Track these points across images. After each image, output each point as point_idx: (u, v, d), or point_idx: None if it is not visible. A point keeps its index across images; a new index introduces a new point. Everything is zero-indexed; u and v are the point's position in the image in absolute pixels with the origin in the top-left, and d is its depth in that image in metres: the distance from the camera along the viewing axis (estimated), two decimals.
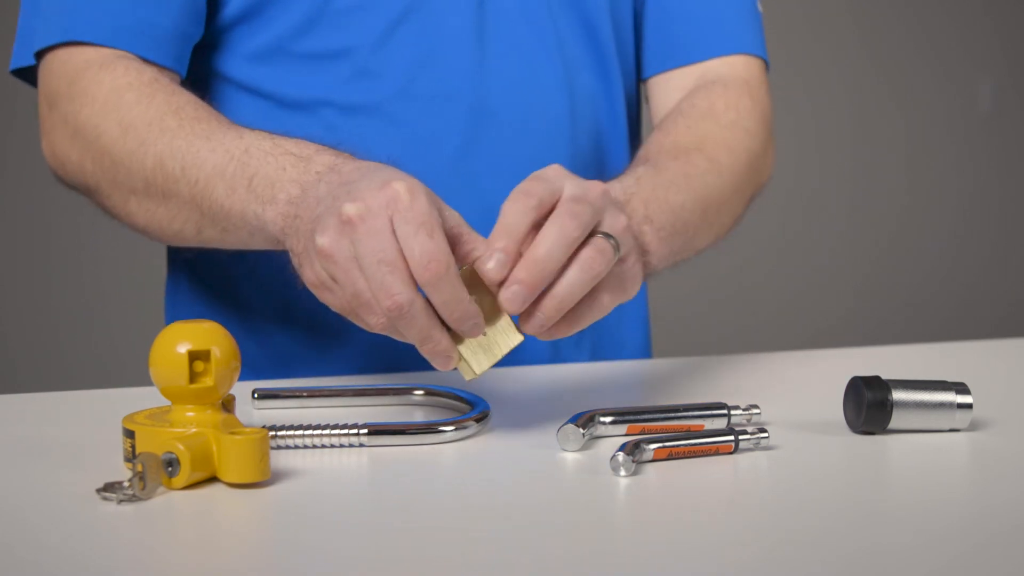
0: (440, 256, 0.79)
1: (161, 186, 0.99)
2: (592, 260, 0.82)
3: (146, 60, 1.05)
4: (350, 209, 0.80)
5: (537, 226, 0.82)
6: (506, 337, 0.83)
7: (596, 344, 1.21)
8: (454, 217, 0.82)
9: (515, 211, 0.81)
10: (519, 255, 0.81)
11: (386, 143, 1.08)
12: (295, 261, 0.87)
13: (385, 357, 1.10)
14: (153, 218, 1.02)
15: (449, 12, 1.10)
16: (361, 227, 0.79)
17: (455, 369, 0.84)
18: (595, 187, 0.85)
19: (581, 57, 1.15)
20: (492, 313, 0.83)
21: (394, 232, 0.79)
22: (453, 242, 0.82)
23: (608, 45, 1.17)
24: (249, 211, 0.92)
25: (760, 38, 1.22)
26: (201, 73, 1.13)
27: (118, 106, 1.01)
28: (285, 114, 1.10)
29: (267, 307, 1.14)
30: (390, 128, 1.09)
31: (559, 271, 0.81)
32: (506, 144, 1.11)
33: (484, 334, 0.83)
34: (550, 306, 0.82)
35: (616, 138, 1.20)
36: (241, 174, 0.93)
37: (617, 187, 0.97)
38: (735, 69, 1.19)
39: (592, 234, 0.83)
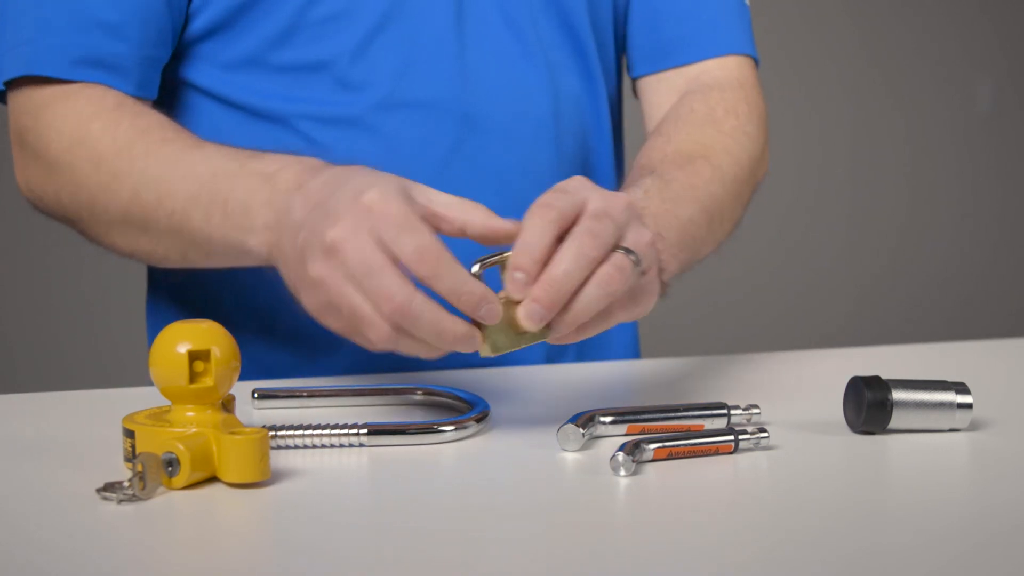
0: (430, 245, 0.78)
1: (139, 217, 0.99)
2: (610, 277, 0.81)
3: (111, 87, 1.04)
4: (332, 235, 0.80)
5: (559, 239, 0.81)
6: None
7: (581, 345, 1.21)
8: (423, 203, 0.82)
9: (536, 226, 0.80)
10: (541, 269, 0.80)
11: (369, 155, 1.06)
12: (291, 289, 0.87)
13: (372, 369, 1.10)
14: (137, 246, 1.03)
15: (428, 19, 1.09)
16: (346, 248, 0.79)
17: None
18: (618, 200, 0.83)
19: (563, 59, 1.14)
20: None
21: (380, 242, 0.79)
22: (436, 225, 0.81)
23: (589, 45, 1.16)
24: (231, 238, 0.93)
25: (749, 36, 1.21)
26: (173, 82, 1.11)
27: (85, 139, 1.01)
28: (262, 127, 1.09)
29: (250, 321, 1.13)
30: (372, 140, 1.08)
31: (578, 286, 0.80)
32: (491, 151, 1.10)
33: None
34: (565, 322, 0.81)
35: (601, 139, 1.19)
36: (214, 200, 0.94)
37: None
38: (729, 71, 1.19)
39: (614, 248, 0.82)
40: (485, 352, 0.82)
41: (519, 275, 0.79)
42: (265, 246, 0.90)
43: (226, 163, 0.94)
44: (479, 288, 0.79)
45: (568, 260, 0.80)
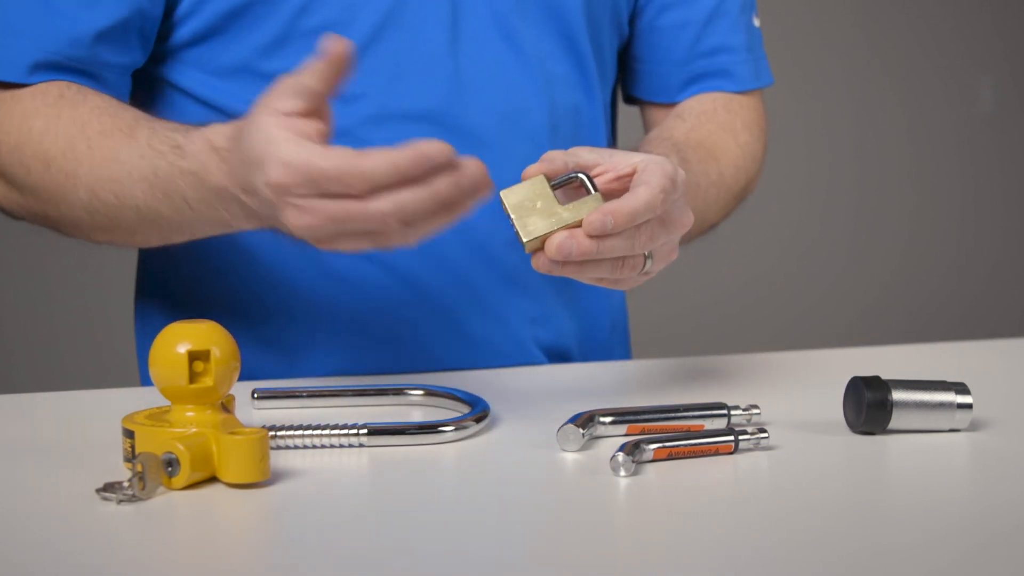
0: (339, 170, 0.80)
1: (106, 215, 1.00)
2: (628, 267, 0.87)
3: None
4: (290, 222, 0.83)
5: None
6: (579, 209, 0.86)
7: (581, 349, 1.20)
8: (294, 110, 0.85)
9: (646, 206, 0.85)
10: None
11: None
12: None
13: (359, 372, 1.09)
14: (113, 238, 1.03)
15: (422, 31, 1.07)
16: (307, 223, 0.82)
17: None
18: (687, 219, 0.91)
19: (562, 70, 1.13)
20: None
21: (323, 198, 0.82)
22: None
23: (587, 56, 1.14)
24: (212, 221, 0.95)
25: (763, 63, 1.22)
26: (161, 86, 1.10)
27: (30, 138, 1.01)
28: None
29: (237, 327, 1.12)
30: None
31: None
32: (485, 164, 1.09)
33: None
34: (580, 251, 0.85)
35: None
36: (171, 198, 0.95)
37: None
38: (747, 96, 1.21)
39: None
40: (522, 241, 0.85)
41: (610, 221, 0.84)
42: (250, 220, 0.92)
43: (158, 162, 0.95)
44: (408, 152, 0.81)
45: (620, 246, 0.85)
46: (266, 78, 1.07)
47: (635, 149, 1.10)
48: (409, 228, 0.82)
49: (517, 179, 1.10)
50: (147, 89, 1.10)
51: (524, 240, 0.85)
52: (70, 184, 1.00)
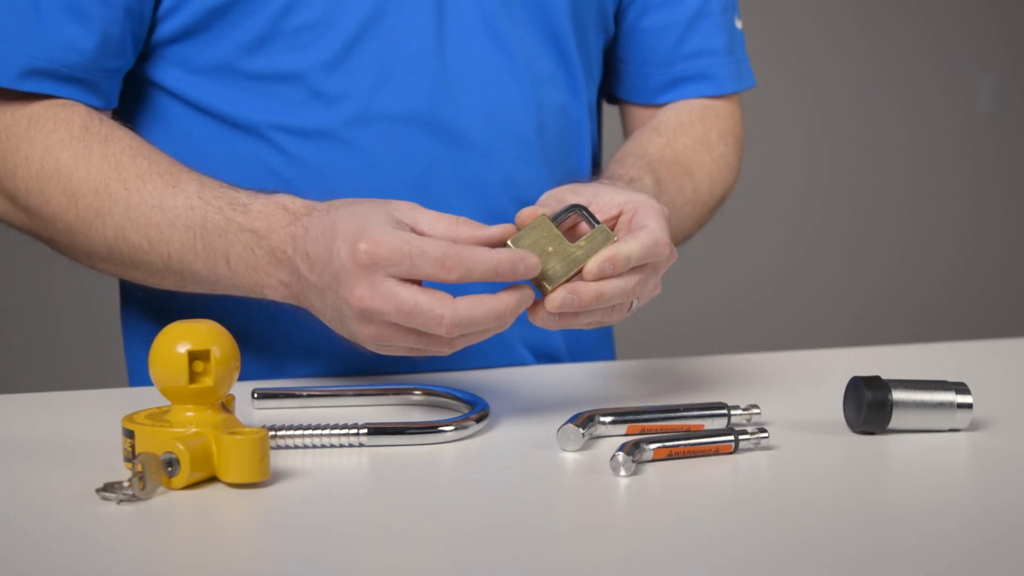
0: (442, 253, 0.82)
1: (128, 255, 1.00)
2: (616, 315, 0.89)
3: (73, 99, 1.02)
4: (356, 301, 0.85)
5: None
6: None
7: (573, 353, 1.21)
8: (410, 226, 0.87)
9: (637, 255, 0.87)
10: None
11: (345, 169, 1.06)
12: (343, 335, 0.91)
13: (347, 374, 1.09)
14: (122, 273, 1.03)
15: (407, 30, 1.06)
16: (376, 306, 0.84)
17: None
18: (672, 259, 0.92)
19: (548, 70, 1.12)
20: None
21: (400, 279, 0.84)
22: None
23: (574, 56, 1.14)
24: (242, 287, 0.96)
25: (745, 65, 1.22)
26: (141, 84, 1.09)
27: (57, 170, 1.00)
28: (235, 136, 1.07)
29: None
30: (348, 153, 1.06)
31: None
32: (471, 166, 1.08)
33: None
34: (572, 307, 0.86)
35: (582, 150, 1.16)
36: (213, 253, 0.96)
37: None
38: (723, 100, 1.22)
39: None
40: (547, 290, 0.86)
41: (609, 267, 0.86)
42: (286, 298, 0.94)
43: (211, 215, 0.96)
44: (507, 254, 0.84)
45: (618, 294, 0.87)
46: (248, 77, 1.07)
47: (610, 161, 1.11)
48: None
49: (506, 181, 1.09)
50: (129, 87, 1.09)
51: (549, 288, 0.86)
52: (97, 222, 1.00)
